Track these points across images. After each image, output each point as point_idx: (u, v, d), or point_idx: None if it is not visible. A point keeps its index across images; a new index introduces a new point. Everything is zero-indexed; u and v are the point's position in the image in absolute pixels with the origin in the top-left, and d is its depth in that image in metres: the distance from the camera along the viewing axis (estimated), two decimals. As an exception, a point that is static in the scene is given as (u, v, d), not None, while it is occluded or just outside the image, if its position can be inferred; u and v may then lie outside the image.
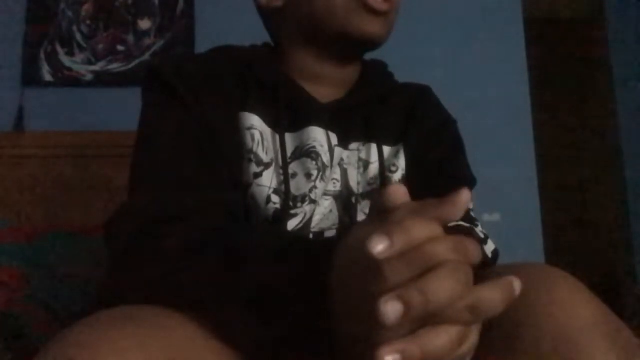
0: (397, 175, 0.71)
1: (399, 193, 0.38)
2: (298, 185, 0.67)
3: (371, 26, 0.68)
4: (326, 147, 0.68)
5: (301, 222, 0.66)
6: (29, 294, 1.05)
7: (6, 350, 0.98)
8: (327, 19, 0.68)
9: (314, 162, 0.68)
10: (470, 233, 0.65)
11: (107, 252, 0.56)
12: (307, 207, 0.66)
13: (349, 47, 0.71)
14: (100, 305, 0.47)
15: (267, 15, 0.76)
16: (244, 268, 0.46)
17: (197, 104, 0.64)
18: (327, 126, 0.69)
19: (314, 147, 0.68)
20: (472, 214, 0.70)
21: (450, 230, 0.66)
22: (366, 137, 0.72)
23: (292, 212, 0.66)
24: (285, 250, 0.46)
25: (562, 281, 0.49)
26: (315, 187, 0.67)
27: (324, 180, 0.68)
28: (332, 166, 0.68)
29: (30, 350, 0.98)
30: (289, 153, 0.67)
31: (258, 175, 0.66)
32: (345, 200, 0.69)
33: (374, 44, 0.70)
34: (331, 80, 0.73)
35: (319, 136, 0.68)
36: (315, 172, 0.67)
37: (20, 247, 1.12)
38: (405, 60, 1.11)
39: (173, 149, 0.62)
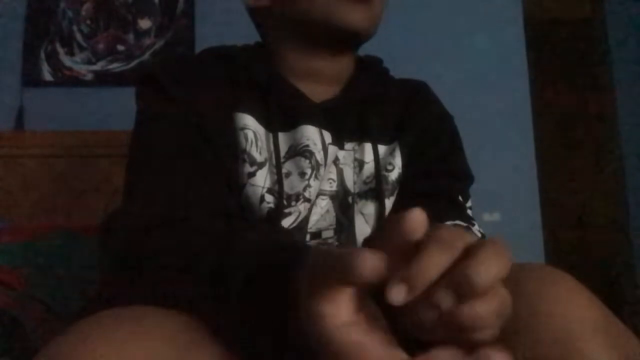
0: (394, 174, 0.71)
1: (418, 221, 0.33)
2: (292, 184, 0.67)
3: (354, 15, 0.67)
4: (319, 145, 0.68)
5: (295, 220, 0.66)
6: (29, 293, 1.05)
7: (6, 351, 0.98)
8: (311, 12, 0.67)
9: (308, 161, 0.67)
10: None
11: (102, 254, 0.56)
12: (301, 206, 0.66)
13: (335, 39, 0.70)
14: (100, 305, 0.47)
15: (256, 15, 0.76)
16: (226, 287, 0.45)
17: (190, 107, 0.64)
18: (321, 124, 0.69)
19: (307, 145, 0.68)
20: (469, 212, 0.70)
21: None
22: (361, 136, 0.71)
23: (286, 211, 0.66)
24: (255, 277, 0.43)
25: (562, 281, 0.49)
26: (309, 185, 0.67)
27: (317, 179, 0.68)
28: (325, 164, 0.68)
29: (30, 351, 0.98)
30: (282, 152, 0.67)
31: (252, 175, 0.66)
32: (342, 200, 0.69)
33: (359, 34, 0.69)
34: (323, 76, 0.73)
35: (312, 135, 0.68)
36: (309, 171, 0.67)
37: (20, 247, 1.12)
38: (405, 60, 1.11)
39: (167, 153, 0.62)
